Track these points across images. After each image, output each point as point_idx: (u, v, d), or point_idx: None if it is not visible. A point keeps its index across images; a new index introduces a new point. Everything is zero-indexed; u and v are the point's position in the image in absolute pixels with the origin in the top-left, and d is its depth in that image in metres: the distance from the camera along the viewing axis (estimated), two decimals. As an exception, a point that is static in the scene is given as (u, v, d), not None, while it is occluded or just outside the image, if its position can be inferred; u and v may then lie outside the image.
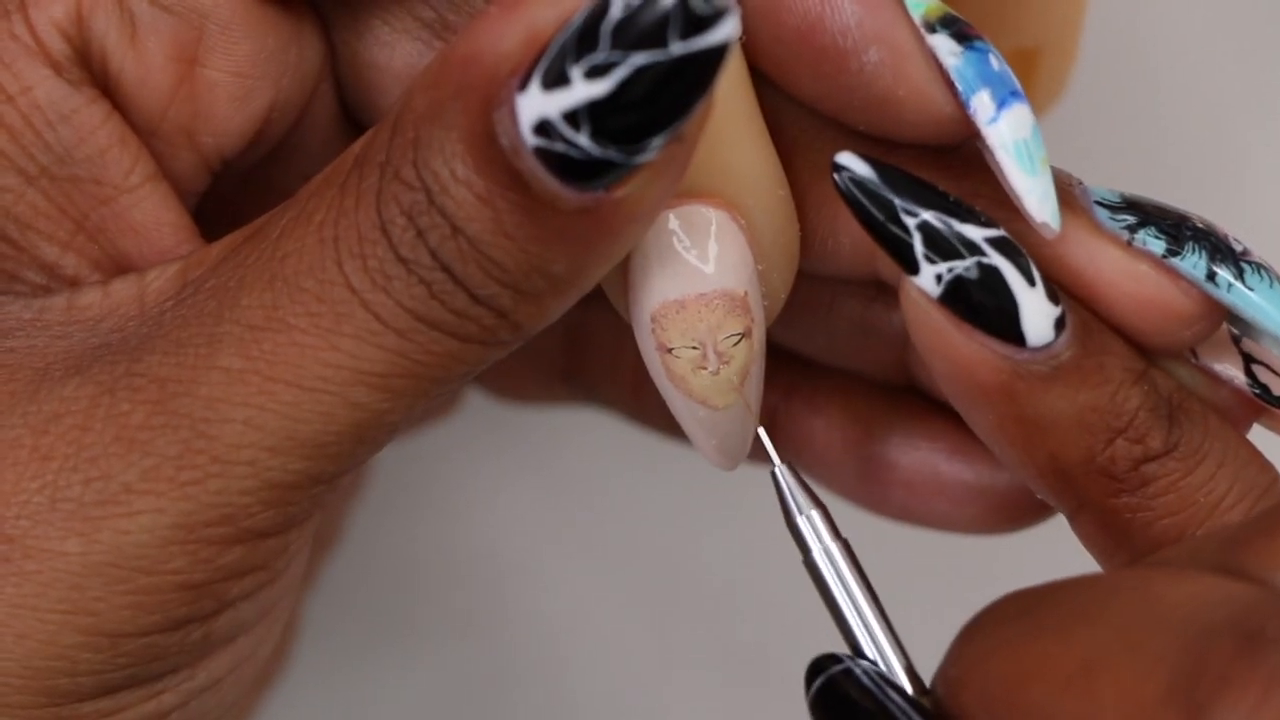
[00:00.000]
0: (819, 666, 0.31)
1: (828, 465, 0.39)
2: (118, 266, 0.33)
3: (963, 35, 0.32)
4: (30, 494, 0.30)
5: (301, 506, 0.30)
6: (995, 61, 0.32)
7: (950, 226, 0.31)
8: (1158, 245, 0.32)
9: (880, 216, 0.31)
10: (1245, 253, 0.33)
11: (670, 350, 0.33)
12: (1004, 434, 0.32)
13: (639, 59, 0.27)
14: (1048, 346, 0.31)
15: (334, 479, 0.31)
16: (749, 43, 0.33)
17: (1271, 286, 0.32)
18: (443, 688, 0.54)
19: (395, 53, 0.35)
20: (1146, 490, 0.32)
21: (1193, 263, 0.32)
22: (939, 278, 0.31)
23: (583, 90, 0.27)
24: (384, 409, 0.30)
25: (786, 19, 0.32)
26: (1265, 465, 0.33)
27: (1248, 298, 0.32)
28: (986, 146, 0.32)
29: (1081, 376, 0.32)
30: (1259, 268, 0.33)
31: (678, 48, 0.27)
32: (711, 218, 0.33)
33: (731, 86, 0.33)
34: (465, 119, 0.28)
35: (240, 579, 0.31)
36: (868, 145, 0.33)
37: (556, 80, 0.28)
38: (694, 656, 0.54)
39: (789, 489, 0.34)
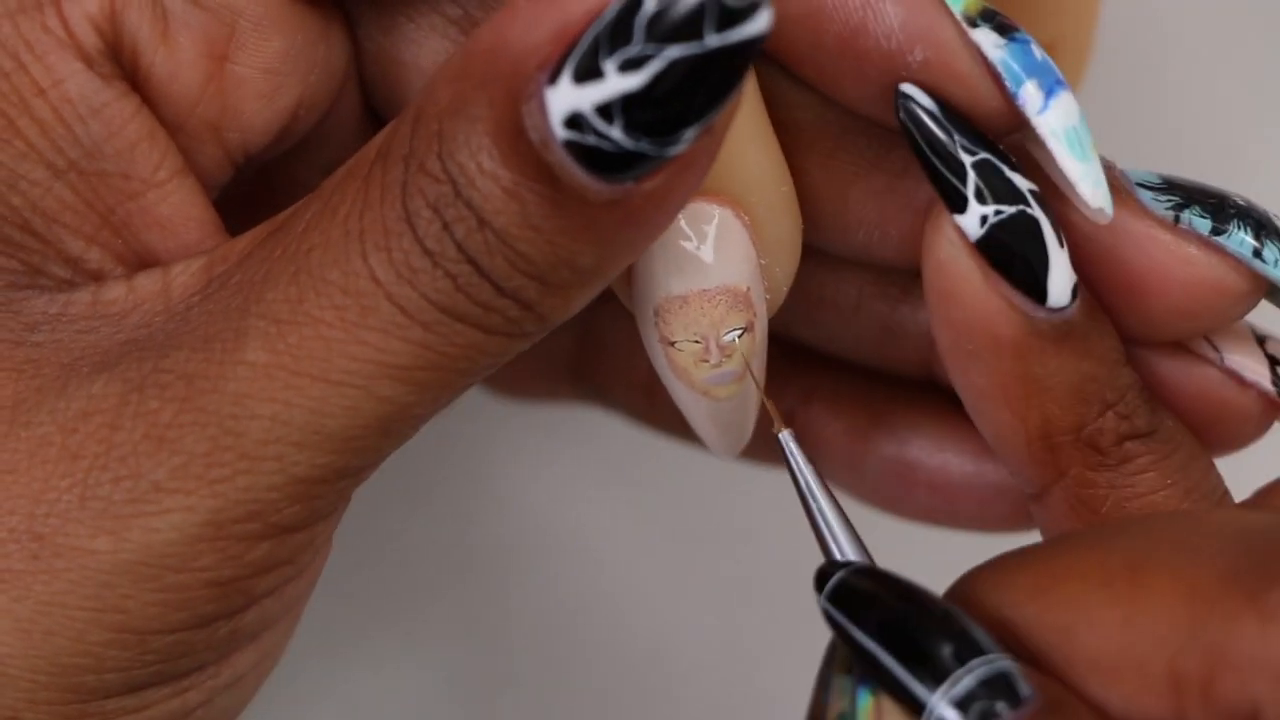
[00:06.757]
0: (827, 572, 0.31)
1: (849, 468, 0.39)
2: (142, 261, 0.33)
3: (1004, 28, 0.32)
4: (60, 492, 0.30)
5: (327, 500, 0.30)
6: (1037, 52, 0.32)
7: (1002, 171, 0.31)
8: (1204, 224, 0.32)
9: (939, 148, 0.31)
10: None
11: (673, 344, 0.34)
12: (1003, 393, 0.32)
13: (674, 52, 0.27)
14: (1063, 310, 0.32)
15: (360, 473, 0.30)
16: (789, 51, 0.33)
17: None
18: (443, 686, 0.54)
19: (422, 50, 0.35)
20: (1127, 467, 0.33)
21: (1239, 240, 0.32)
22: (984, 219, 0.31)
23: (616, 83, 0.27)
24: (410, 402, 0.30)
25: (828, 26, 0.32)
26: (1219, 474, 0.34)
27: None
28: (1035, 137, 0.32)
29: (1086, 347, 0.32)
30: None
31: (713, 40, 0.27)
32: (715, 214, 0.34)
33: None
34: (492, 111, 0.28)
35: (267, 574, 0.31)
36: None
37: (589, 74, 0.27)
38: (697, 654, 0.54)
39: (794, 454, 0.34)
